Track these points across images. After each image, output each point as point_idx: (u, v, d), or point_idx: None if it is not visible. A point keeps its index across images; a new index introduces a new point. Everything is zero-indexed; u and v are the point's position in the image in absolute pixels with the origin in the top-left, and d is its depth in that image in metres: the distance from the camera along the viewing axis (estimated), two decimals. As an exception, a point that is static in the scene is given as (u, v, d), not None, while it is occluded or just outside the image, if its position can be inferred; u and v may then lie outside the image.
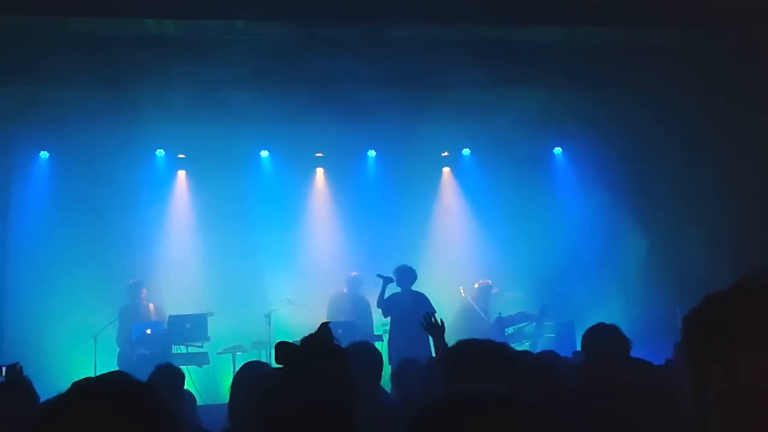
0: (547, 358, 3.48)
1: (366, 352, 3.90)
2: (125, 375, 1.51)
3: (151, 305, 9.56)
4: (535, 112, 9.20)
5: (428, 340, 8.07)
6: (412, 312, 8.16)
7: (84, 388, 1.36)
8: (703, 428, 1.22)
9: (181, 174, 10.77)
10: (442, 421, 1.26)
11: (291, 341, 2.00)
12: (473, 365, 2.56)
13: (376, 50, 8.61)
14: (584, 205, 10.37)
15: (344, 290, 9.82)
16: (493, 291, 10.04)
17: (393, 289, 8.56)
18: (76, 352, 8.93)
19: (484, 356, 2.62)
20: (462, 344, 2.75)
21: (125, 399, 1.33)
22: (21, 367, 3.00)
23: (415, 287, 8.53)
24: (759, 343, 1.07)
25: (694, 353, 1.33)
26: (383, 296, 8.50)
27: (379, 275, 8.56)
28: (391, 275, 8.54)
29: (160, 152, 10.57)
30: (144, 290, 9.54)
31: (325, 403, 1.81)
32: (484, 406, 1.29)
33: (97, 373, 7.97)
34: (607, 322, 4.23)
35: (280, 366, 3.21)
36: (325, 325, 1.99)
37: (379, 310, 8.67)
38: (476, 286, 10.00)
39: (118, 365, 8.79)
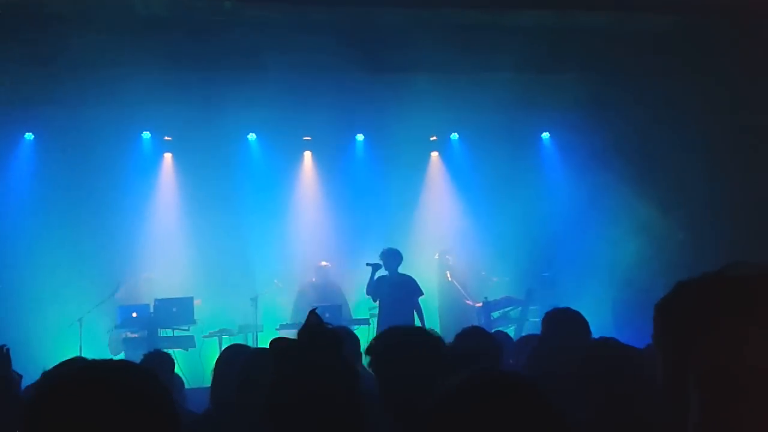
0: (483, 345, 3.46)
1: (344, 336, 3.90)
2: (131, 363, 1.50)
3: None
4: (523, 96, 9.20)
5: (415, 321, 8.16)
6: (399, 294, 8.21)
7: (91, 370, 1.35)
8: (676, 411, 1.22)
9: (168, 156, 10.69)
10: (470, 405, 1.26)
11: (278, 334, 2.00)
12: (401, 354, 2.51)
13: (366, 34, 8.55)
14: (571, 190, 10.42)
15: (312, 279, 9.85)
16: (447, 257, 10.03)
17: (382, 274, 8.57)
18: (61, 335, 8.88)
19: (410, 346, 2.56)
20: (388, 333, 2.70)
21: (133, 386, 1.32)
22: (8, 349, 2.98)
23: (403, 270, 8.55)
24: (740, 328, 1.07)
25: (666, 339, 1.33)
26: (371, 283, 8.51)
27: (367, 264, 8.57)
28: (378, 261, 8.55)
29: (146, 134, 10.46)
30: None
31: (331, 393, 1.80)
32: (510, 388, 1.29)
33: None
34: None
35: (263, 348, 3.22)
36: (313, 312, 1.98)
37: (361, 296, 8.72)
38: (436, 257, 10.00)
39: (109, 348, 8.82)
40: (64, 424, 1.24)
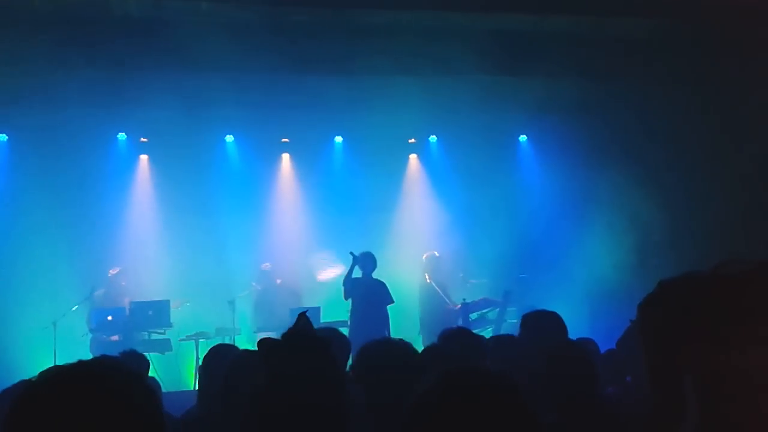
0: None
1: (335, 339, 3.91)
2: (117, 362, 1.47)
3: None
4: (501, 99, 9.25)
5: (385, 327, 8.18)
6: (372, 299, 8.24)
7: (75, 371, 1.33)
8: (659, 407, 1.23)
9: (144, 158, 10.58)
10: (445, 400, 1.26)
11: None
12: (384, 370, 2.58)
13: (344, 35, 8.54)
14: (549, 192, 10.50)
15: (278, 281, 9.87)
16: (435, 254, 10.03)
17: (357, 275, 8.58)
18: (35, 339, 8.75)
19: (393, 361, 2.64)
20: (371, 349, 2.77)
21: (119, 386, 1.30)
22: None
23: (382, 273, 8.56)
24: (728, 330, 1.07)
25: (649, 338, 1.33)
26: (350, 276, 8.51)
27: (351, 253, 8.57)
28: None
29: (121, 136, 10.35)
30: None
31: (316, 400, 1.79)
32: (483, 385, 1.29)
33: (57, 361, 7.86)
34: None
35: (249, 349, 3.21)
36: (303, 316, 1.97)
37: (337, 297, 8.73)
38: (424, 257, 10.04)
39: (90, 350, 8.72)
40: (49, 426, 1.22)
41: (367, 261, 8.50)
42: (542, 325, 3.85)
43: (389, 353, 2.65)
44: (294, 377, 1.82)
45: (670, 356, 1.12)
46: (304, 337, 1.91)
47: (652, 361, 1.20)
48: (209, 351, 3.51)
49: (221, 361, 3.18)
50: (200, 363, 3.36)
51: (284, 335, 1.92)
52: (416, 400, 1.29)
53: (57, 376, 1.30)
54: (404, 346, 2.73)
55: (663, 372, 1.16)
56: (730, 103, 8.56)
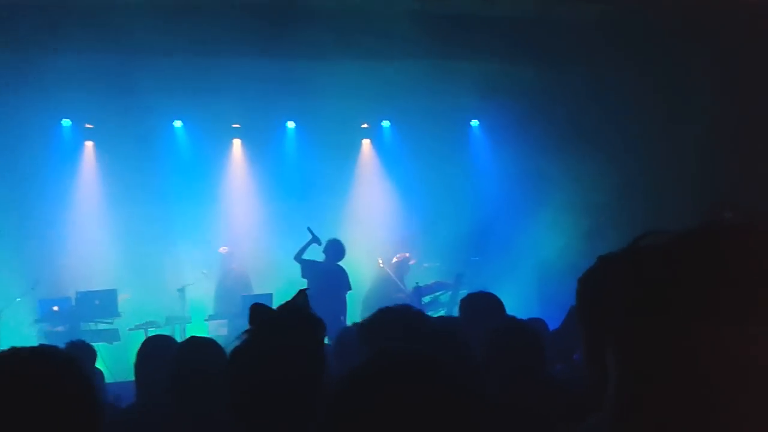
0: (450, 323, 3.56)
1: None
2: (52, 349, 1.46)
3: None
4: (453, 84, 9.28)
5: (342, 313, 8.18)
6: (329, 284, 8.21)
7: (11, 356, 1.31)
8: (594, 382, 1.23)
9: (89, 144, 10.33)
10: (373, 380, 1.25)
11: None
12: (390, 331, 2.61)
13: (297, 18, 8.44)
14: (500, 176, 10.60)
15: (233, 267, 9.82)
16: (411, 262, 10.22)
17: (314, 250, 8.51)
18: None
19: (400, 322, 2.68)
20: (380, 312, 2.81)
21: (49, 372, 1.29)
22: None
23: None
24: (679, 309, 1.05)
25: (585, 313, 1.34)
26: (303, 252, 8.46)
27: (309, 229, 8.50)
28: (321, 240, 8.50)
29: (66, 122, 10.09)
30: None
31: (295, 372, 1.77)
32: (412, 365, 1.28)
33: None
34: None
35: (191, 339, 3.17)
36: (302, 293, 1.94)
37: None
38: (394, 260, 10.15)
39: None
40: None
41: (334, 249, 8.46)
42: (481, 306, 3.90)
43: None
44: (277, 344, 1.79)
45: (602, 331, 1.12)
46: (300, 313, 1.88)
47: (584, 336, 1.21)
48: (143, 344, 3.46)
49: (162, 351, 3.13)
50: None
51: (280, 307, 1.89)
52: (341, 382, 1.28)
53: None
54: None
55: (596, 346, 1.17)
56: (676, 84, 8.74)
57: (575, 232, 9.19)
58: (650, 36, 8.74)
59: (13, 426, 1.21)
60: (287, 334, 1.84)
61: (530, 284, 9.36)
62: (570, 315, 4.37)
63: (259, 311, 1.88)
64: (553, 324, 4.57)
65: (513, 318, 3.56)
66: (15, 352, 1.34)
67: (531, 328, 3.20)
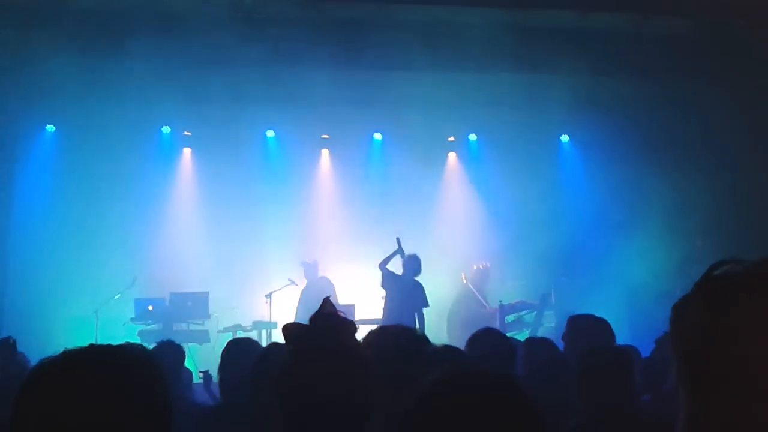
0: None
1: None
2: (137, 346, 1.49)
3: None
4: (542, 98, 9.13)
5: (420, 328, 8.13)
6: (405, 299, 8.21)
7: (81, 353, 1.35)
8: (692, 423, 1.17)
9: (187, 151, 10.75)
10: (447, 400, 1.25)
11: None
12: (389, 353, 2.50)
13: (386, 30, 8.53)
14: (591, 193, 10.32)
15: (304, 280, 9.83)
16: (489, 273, 10.02)
17: (398, 262, 8.54)
18: (78, 327, 8.93)
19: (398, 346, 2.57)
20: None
21: (119, 371, 1.31)
22: (14, 341, 2.99)
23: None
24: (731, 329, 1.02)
25: (676, 342, 1.28)
26: (388, 261, 8.50)
27: (398, 239, 8.57)
28: (405, 252, 8.53)
29: (166, 129, 10.54)
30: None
31: (343, 378, 1.77)
32: (486, 386, 1.28)
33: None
34: (609, 313, 4.21)
35: (276, 342, 3.21)
36: (327, 300, 1.95)
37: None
38: (474, 268, 9.99)
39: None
40: (43, 406, 1.25)
41: (412, 263, 8.47)
42: (590, 331, 3.76)
43: (398, 340, 2.59)
44: (318, 361, 1.79)
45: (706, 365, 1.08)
46: (328, 319, 1.89)
47: (676, 367, 1.16)
48: (226, 347, 3.52)
49: (245, 354, 3.19)
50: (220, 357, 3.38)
51: (311, 319, 1.90)
52: (409, 403, 1.28)
53: (60, 358, 1.32)
54: (417, 338, 2.65)
55: (689, 379, 1.11)
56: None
57: (671, 255, 8.82)
58: (743, 50, 8.35)
59: (74, 420, 1.23)
60: (325, 350, 1.83)
61: (620, 308, 9.02)
62: (660, 344, 4.19)
63: (291, 329, 1.89)
64: (644, 351, 4.40)
65: (607, 345, 3.44)
66: (90, 349, 1.36)
67: (625, 353, 3.09)
